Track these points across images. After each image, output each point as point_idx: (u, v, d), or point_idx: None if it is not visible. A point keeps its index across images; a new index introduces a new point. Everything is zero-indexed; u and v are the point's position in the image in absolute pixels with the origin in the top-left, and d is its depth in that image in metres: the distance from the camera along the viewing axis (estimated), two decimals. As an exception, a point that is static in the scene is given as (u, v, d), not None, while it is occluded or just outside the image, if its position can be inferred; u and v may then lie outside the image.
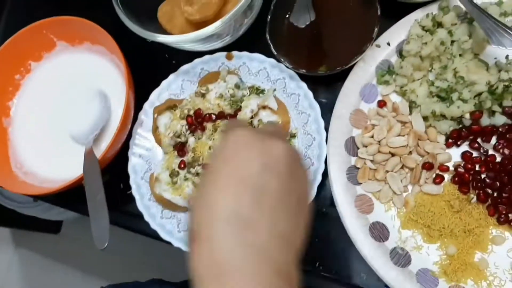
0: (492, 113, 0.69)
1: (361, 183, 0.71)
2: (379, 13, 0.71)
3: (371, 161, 0.71)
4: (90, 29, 0.81)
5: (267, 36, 0.75)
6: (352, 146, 0.73)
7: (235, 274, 0.39)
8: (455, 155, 0.70)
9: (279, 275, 0.40)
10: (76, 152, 0.82)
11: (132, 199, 0.80)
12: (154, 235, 0.78)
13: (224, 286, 0.38)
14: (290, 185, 0.43)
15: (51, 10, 0.90)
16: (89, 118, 0.85)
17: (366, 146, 0.72)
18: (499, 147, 0.68)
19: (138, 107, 0.83)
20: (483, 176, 0.68)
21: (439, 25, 0.73)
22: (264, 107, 0.75)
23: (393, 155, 0.71)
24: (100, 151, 0.82)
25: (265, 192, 0.41)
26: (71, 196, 0.80)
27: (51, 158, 0.87)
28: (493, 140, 0.69)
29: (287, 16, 0.77)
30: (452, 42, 0.72)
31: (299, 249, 0.44)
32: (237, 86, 0.77)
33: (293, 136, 0.76)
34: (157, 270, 1.85)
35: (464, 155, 0.69)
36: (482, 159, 0.69)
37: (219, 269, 0.39)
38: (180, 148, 0.77)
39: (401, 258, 0.68)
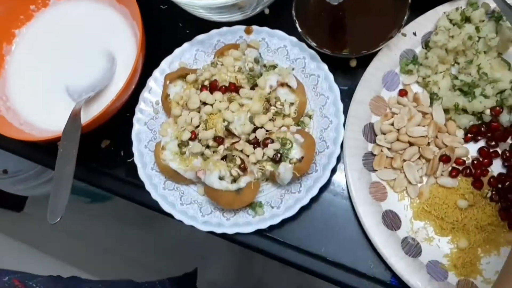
0: (513, 110, 0.69)
1: (376, 170, 0.70)
2: (409, 0, 0.70)
3: (389, 149, 0.70)
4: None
5: (293, 12, 0.73)
6: (370, 132, 0.72)
7: None
8: (472, 150, 0.70)
9: None
10: (66, 106, 0.78)
11: (133, 168, 0.76)
12: (155, 207, 0.74)
13: None
14: None
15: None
16: (90, 76, 0.81)
17: (384, 134, 0.70)
18: (517, 146, 0.68)
19: (145, 73, 0.79)
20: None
21: (467, 20, 0.72)
22: (282, 85, 0.73)
23: (411, 144, 0.70)
24: (91, 112, 0.78)
25: None
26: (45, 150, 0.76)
27: (39, 103, 0.82)
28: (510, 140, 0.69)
29: (314, -6, 0.75)
30: (479, 38, 0.72)
31: None
32: (256, 61, 0.74)
33: (309, 117, 0.74)
34: (124, 260, 1.81)
35: (481, 150, 0.69)
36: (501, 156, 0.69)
37: None
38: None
39: (412, 248, 0.67)
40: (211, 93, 0.73)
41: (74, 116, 0.72)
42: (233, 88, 0.73)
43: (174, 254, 1.73)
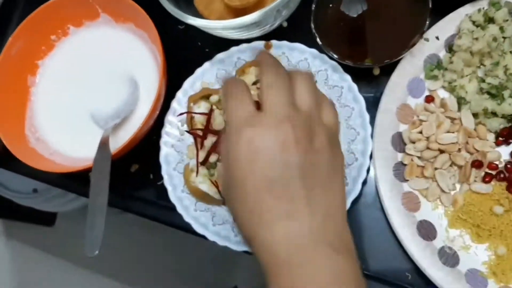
0: (544, 111, 0.67)
1: (408, 180, 0.69)
2: (430, 5, 0.69)
3: (419, 157, 0.69)
4: (135, 12, 0.78)
5: (312, 25, 0.73)
6: (399, 142, 0.71)
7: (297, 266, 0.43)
8: (504, 153, 0.69)
9: (337, 252, 0.44)
10: (94, 133, 0.79)
11: (163, 191, 0.76)
12: (187, 228, 0.75)
13: (292, 277, 0.43)
14: (332, 160, 0.47)
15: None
16: (114, 102, 0.82)
17: (414, 142, 0.70)
18: (551, 147, 0.67)
19: (168, 95, 0.80)
20: (534, 176, 0.67)
21: (490, 20, 0.71)
22: (306, 99, 0.72)
23: (441, 152, 0.69)
24: (118, 138, 0.79)
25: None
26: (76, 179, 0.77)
27: (66, 131, 0.84)
28: (545, 139, 0.68)
29: (331, 5, 0.75)
30: (504, 38, 0.70)
31: (344, 216, 0.49)
32: (278, 77, 0.74)
33: (335, 129, 0.74)
34: (153, 267, 1.83)
35: (513, 153, 0.68)
36: (534, 158, 0.67)
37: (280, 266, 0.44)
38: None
39: (449, 257, 0.66)
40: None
41: (103, 145, 0.73)
42: (257, 106, 0.73)
43: (211, 266, 1.73)
